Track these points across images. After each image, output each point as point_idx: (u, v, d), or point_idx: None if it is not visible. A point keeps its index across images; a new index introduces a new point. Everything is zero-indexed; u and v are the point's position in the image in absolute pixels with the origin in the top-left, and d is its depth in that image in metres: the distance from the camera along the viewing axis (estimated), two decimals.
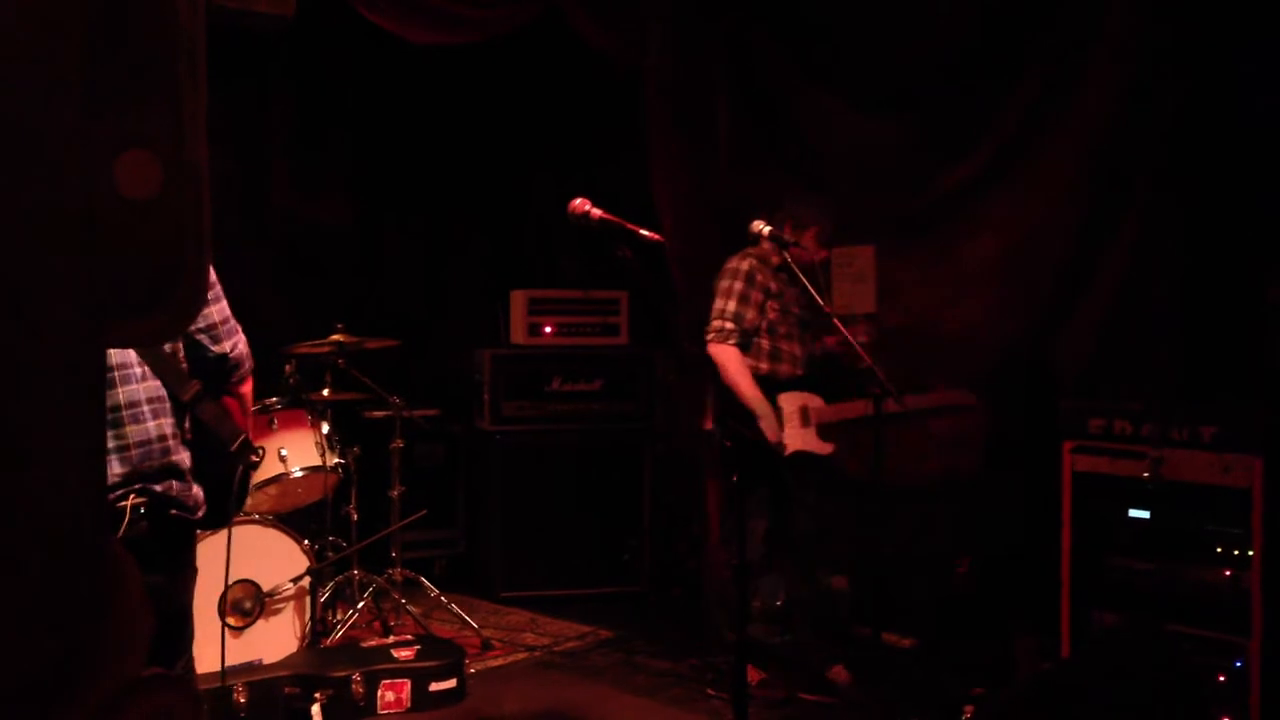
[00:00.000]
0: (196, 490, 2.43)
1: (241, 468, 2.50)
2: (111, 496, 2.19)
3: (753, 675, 4.32)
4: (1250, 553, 3.63)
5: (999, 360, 4.82)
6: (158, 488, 2.31)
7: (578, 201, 3.16)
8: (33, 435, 1.00)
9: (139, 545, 2.13)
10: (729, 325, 4.30)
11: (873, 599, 4.69)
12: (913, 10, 5.07)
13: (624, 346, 6.11)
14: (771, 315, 4.35)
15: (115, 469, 2.23)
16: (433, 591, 5.21)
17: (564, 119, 6.41)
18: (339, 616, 5.02)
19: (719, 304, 4.34)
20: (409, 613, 5.05)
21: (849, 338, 3.97)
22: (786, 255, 4.03)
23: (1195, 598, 3.75)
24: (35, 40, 0.97)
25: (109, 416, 2.23)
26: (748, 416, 4.26)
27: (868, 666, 4.53)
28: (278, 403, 4.82)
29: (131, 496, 2.23)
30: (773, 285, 4.33)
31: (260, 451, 2.58)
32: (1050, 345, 4.72)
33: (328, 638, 4.79)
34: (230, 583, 4.43)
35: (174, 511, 2.34)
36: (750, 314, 4.31)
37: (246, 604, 4.47)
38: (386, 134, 6.38)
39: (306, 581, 4.56)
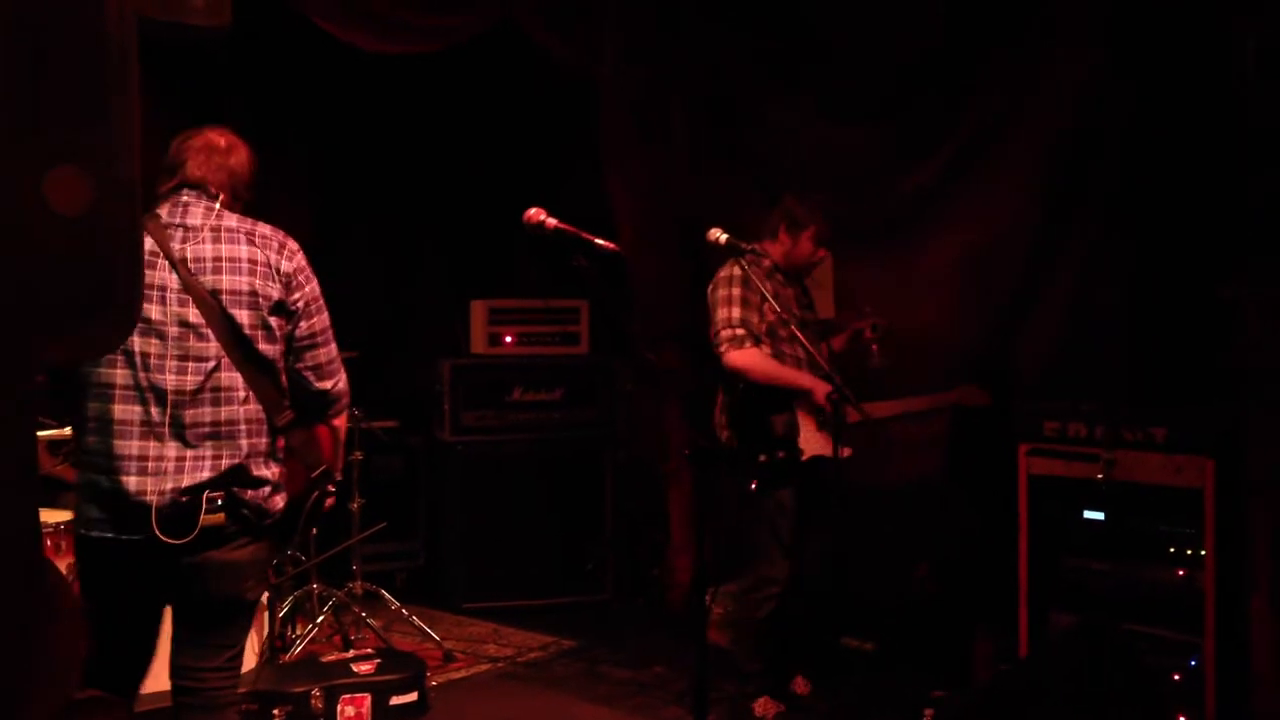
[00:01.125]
0: (277, 499, 2.82)
1: (316, 494, 2.89)
2: (206, 493, 2.66)
3: (769, 708, 4.31)
4: (1203, 552, 3.68)
5: (957, 364, 4.85)
6: (244, 493, 2.72)
7: (533, 211, 3.15)
8: None
9: (216, 531, 2.67)
10: (740, 331, 4.18)
11: (834, 603, 4.70)
12: (872, 17, 5.11)
13: (584, 356, 6.11)
14: (770, 317, 4.25)
15: (205, 473, 2.67)
16: (394, 604, 5.18)
17: (523, 128, 6.39)
18: (298, 631, 4.97)
19: (722, 314, 4.22)
20: (369, 626, 5.01)
21: (804, 343, 3.97)
22: (744, 263, 4.00)
23: (1150, 597, 3.80)
24: None
25: (210, 430, 2.69)
26: (766, 428, 4.23)
27: (828, 671, 4.55)
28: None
29: (219, 495, 2.68)
30: (767, 287, 4.27)
31: (337, 482, 2.99)
32: (1008, 348, 4.76)
33: (287, 653, 4.74)
34: None
35: (245, 512, 2.73)
36: (754, 318, 4.21)
37: None
38: (344, 144, 6.34)
39: (265, 596, 4.51)
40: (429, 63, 5.61)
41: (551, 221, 3.14)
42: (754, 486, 4.17)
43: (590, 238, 3.12)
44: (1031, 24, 4.67)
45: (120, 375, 2.64)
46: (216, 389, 2.71)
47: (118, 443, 2.62)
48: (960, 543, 4.77)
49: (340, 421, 2.99)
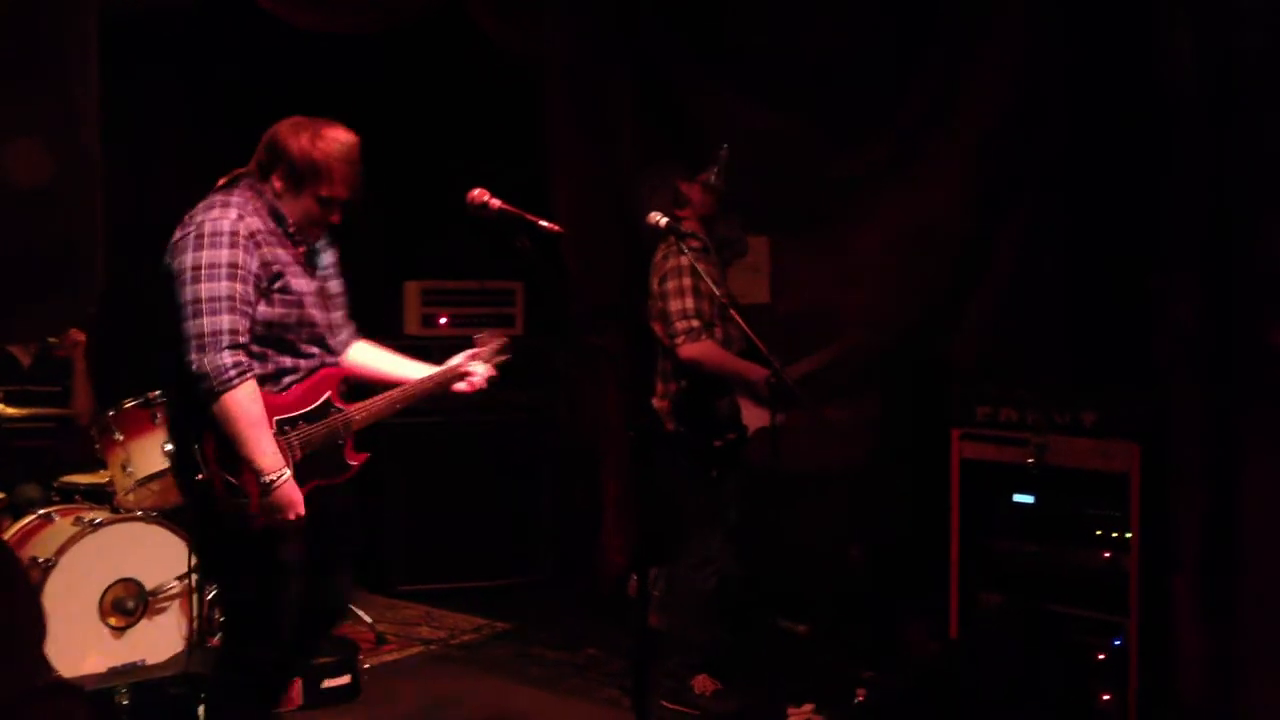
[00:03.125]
0: None
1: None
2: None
3: (707, 685, 4.33)
4: (1129, 535, 3.77)
5: (891, 348, 4.92)
6: None
7: (476, 192, 3.13)
8: None
9: None
10: (695, 323, 4.19)
11: (769, 585, 4.74)
12: (813, 6, 5.13)
13: (519, 338, 6.08)
14: (724, 298, 4.29)
15: None
16: None
17: (464, 110, 6.32)
18: None
19: (677, 305, 4.22)
20: None
21: (745, 327, 3.98)
22: (684, 246, 4.00)
23: (1076, 579, 3.88)
24: None
25: None
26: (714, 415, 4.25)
27: (763, 652, 4.59)
28: (161, 396, 4.67)
29: None
30: (714, 273, 4.28)
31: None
32: (942, 335, 4.83)
33: (214, 637, 4.65)
34: (111, 582, 4.30)
35: None
36: (706, 306, 4.23)
37: (129, 603, 4.33)
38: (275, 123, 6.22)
39: (192, 579, 4.44)
40: (373, 43, 5.54)
41: (495, 202, 3.13)
42: (715, 474, 4.24)
43: (534, 218, 3.11)
44: (969, 11, 4.72)
45: None
46: None
47: None
48: (891, 525, 4.84)
49: (212, 405, 2.80)
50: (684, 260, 4.18)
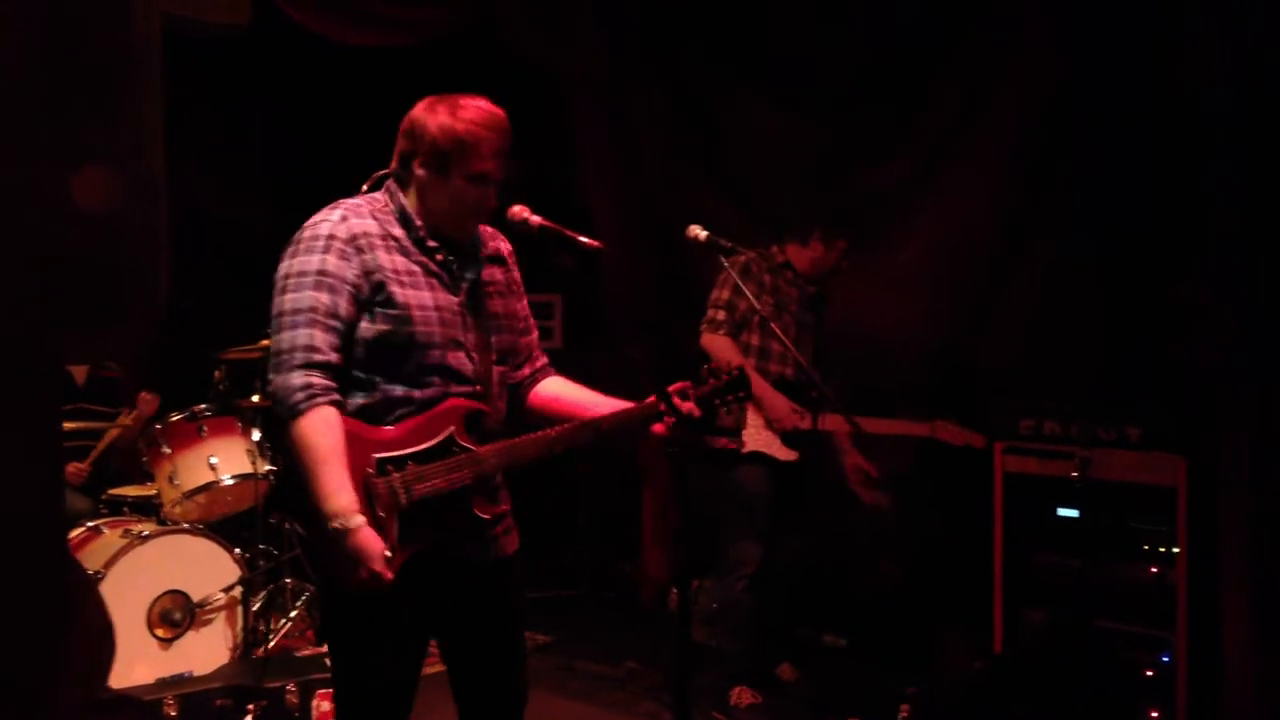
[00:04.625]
0: None
1: None
2: None
3: (744, 697, 4.34)
4: (1175, 549, 3.74)
5: (926, 360, 4.90)
6: None
7: (516, 208, 3.12)
8: None
9: None
10: (720, 315, 4.32)
11: (812, 599, 4.73)
12: (841, 17, 5.13)
13: (559, 350, 6.10)
14: (765, 311, 4.31)
15: None
16: None
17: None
18: (272, 626, 4.93)
19: (714, 294, 4.37)
20: None
21: (789, 348, 3.98)
22: (724, 260, 4.01)
23: (1123, 594, 3.85)
24: None
25: None
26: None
27: (808, 667, 4.57)
28: (207, 409, 4.73)
29: None
30: (767, 279, 4.33)
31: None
32: (978, 345, 4.80)
33: (260, 647, 4.70)
34: (158, 594, 4.35)
35: None
36: (742, 304, 4.29)
37: (176, 615, 4.38)
38: (313, 136, 6.29)
39: (238, 591, 4.49)
40: (401, 55, 5.58)
41: (536, 219, 3.12)
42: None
43: (574, 234, 3.10)
44: (996, 21, 4.71)
45: None
46: None
47: None
48: (932, 539, 4.81)
49: (286, 429, 2.40)
50: (740, 258, 4.28)
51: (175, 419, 4.68)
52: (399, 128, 2.61)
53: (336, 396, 2.40)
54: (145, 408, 4.88)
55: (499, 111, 2.60)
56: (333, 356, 2.41)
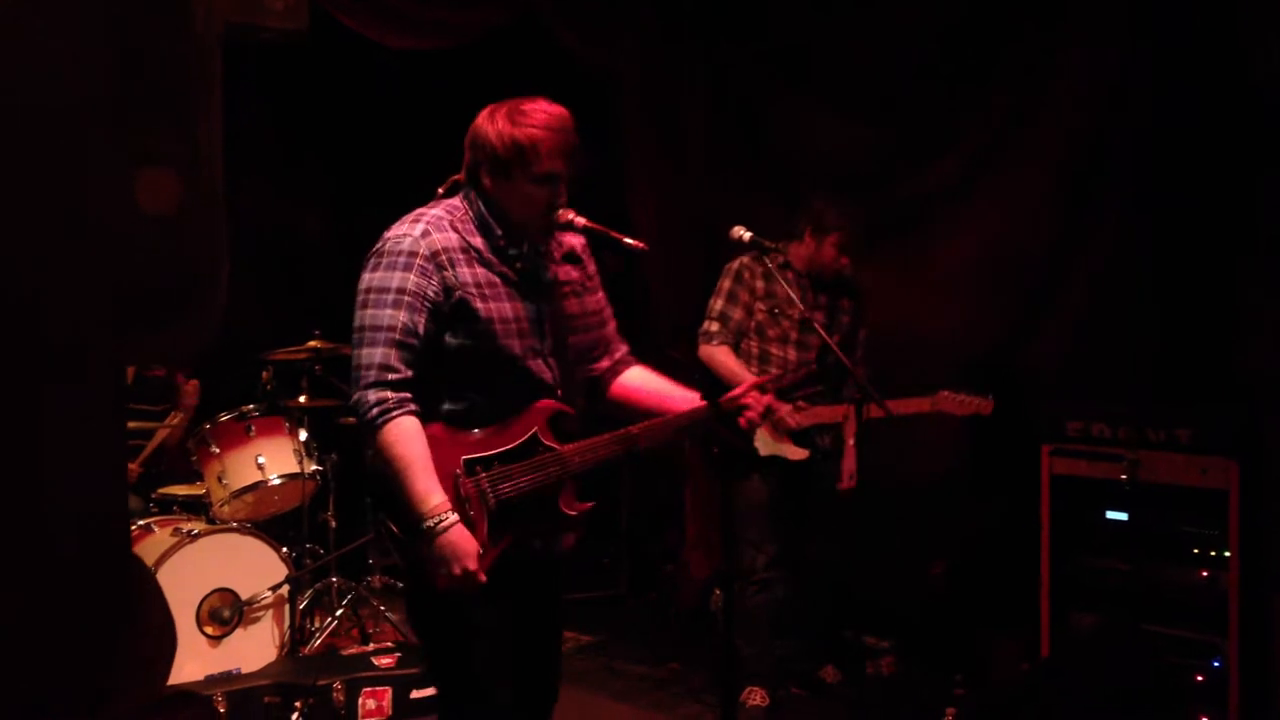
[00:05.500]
0: None
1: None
2: None
3: (754, 697, 4.32)
4: (1227, 554, 3.68)
5: (973, 364, 4.85)
6: None
7: (561, 210, 3.14)
8: (53, 454, 1.00)
9: None
10: (714, 326, 4.30)
11: (856, 602, 4.71)
12: (888, 17, 5.11)
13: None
14: (759, 317, 4.29)
15: None
16: None
17: None
18: (318, 624, 4.99)
19: (710, 303, 4.36)
20: (388, 619, 5.03)
21: (828, 341, 3.97)
22: (767, 260, 4.02)
23: (1173, 598, 3.80)
24: (63, 60, 0.96)
25: None
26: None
27: (852, 669, 4.56)
28: (255, 410, 4.79)
29: None
30: (760, 286, 4.29)
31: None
32: (1026, 348, 4.76)
33: (306, 645, 4.76)
34: (208, 592, 4.41)
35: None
36: (737, 313, 4.29)
37: (225, 613, 4.44)
38: (361, 140, 6.35)
39: (285, 589, 4.54)
40: (446, 58, 5.62)
41: (581, 220, 3.12)
42: (722, 486, 4.25)
43: (619, 236, 3.10)
44: (1047, 21, 4.67)
45: None
46: None
47: None
48: (976, 541, 4.78)
49: (368, 441, 2.47)
50: (734, 264, 4.27)
51: (224, 419, 4.74)
52: (466, 137, 2.63)
53: (413, 408, 2.46)
54: (188, 399, 4.95)
55: (560, 110, 2.62)
56: (408, 373, 2.46)
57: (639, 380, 2.84)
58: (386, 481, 2.44)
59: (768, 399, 2.75)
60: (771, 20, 5.50)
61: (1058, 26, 4.63)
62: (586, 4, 5.49)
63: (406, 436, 2.43)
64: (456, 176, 2.67)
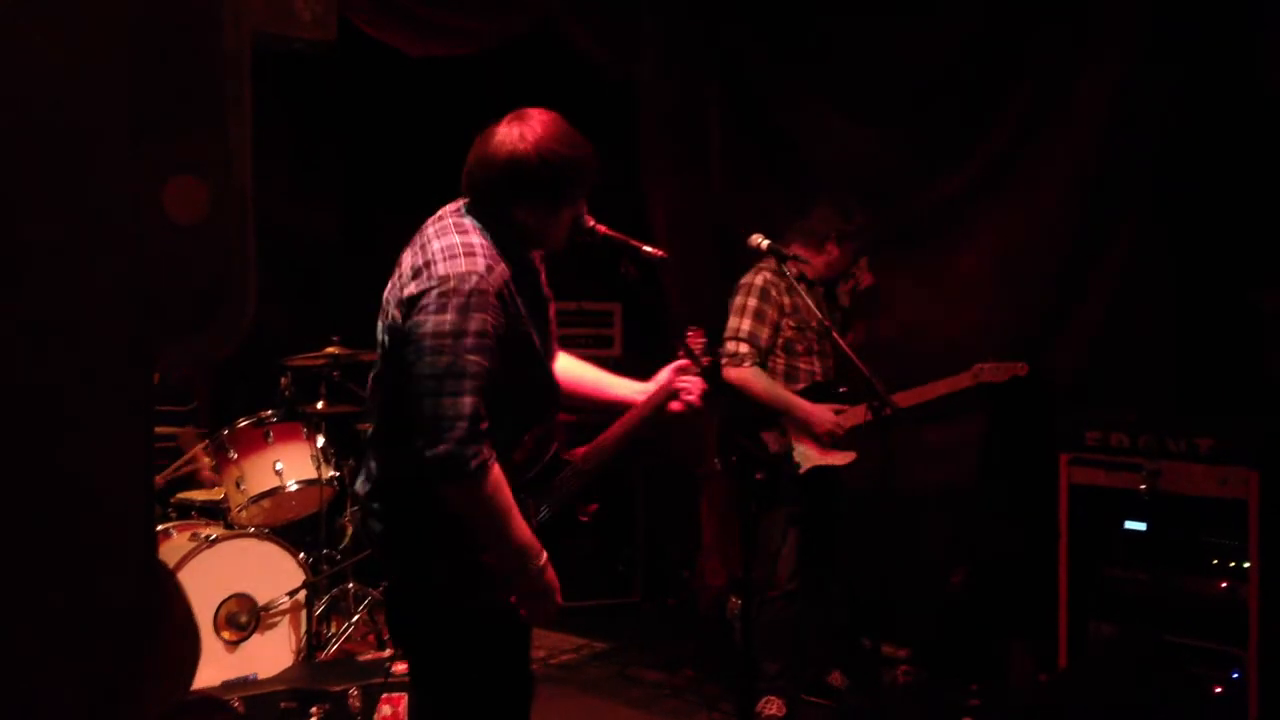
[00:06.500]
0: None
1: None
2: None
3: (770, 707, 4.30)
4: (1246, 564, 3.66)
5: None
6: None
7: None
8: (80, 457, 1.00)
9: None
10: (743, 348, 4.19)
11: (873, 610, 4.69)
12: (906, 22, 5.11)
13: (617, 358, 6.12)
14: (787, 333, 4.24)
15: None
16: None
17: None
18: (334, 630, 5.00)
19: (733, 322, 4.24)
20: None
21: (847, 350, 3.96)
22: (786, 269, 4.01)
23: (1192, 609, 3.78)
24: (84, 67, 0.97)
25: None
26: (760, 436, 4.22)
27: (868, 677, 4.54)
28: (273, 415, 4.81)
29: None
30: (786, 301, 4.25)
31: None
32: (1044, 355, 4.74)
33: (323, 651, 4.77)
34: (225, 597, 4.43)
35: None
36: (765, 333, 4.21)
37: (241, 618, 4.45)
38: (379, 146, 6.37)
39: (302, 595, 4.55)
40: (463, 64, 5.64)
41: (600, 228, 3.13)
42: (754, 508, 4.06)
43: (638, 244, 3.11)
44: (1066, 26, 4.66)
45: None
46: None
47: None
48: (994, 550, 4.76)
49: (453, 495, 2.37)
50: (758, 280, 4.18)
51: (242, 425, 4.76)
52: (476, 162, 2.54)
53: (494, 452, 2.38)
54: (186, 444, 5.00)
55: (579, 136, 2.60)
56: (487, 419, 2.36)
57: (573, 370, 2.82)
58: (475, 531, 2.40)
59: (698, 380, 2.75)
60: (790, 28, 5.50)
61: (1076, 36, 4.62)
62: (604, 12, 5.51)
63: (501, 484, 2.37)
64: (462, 201, 2.60)
